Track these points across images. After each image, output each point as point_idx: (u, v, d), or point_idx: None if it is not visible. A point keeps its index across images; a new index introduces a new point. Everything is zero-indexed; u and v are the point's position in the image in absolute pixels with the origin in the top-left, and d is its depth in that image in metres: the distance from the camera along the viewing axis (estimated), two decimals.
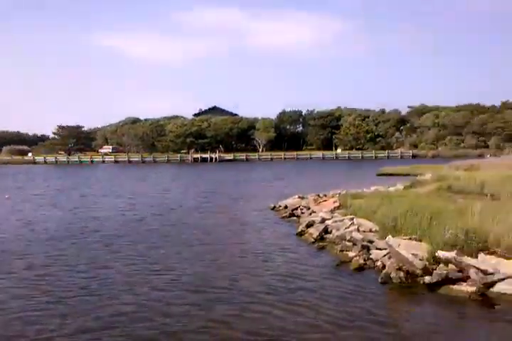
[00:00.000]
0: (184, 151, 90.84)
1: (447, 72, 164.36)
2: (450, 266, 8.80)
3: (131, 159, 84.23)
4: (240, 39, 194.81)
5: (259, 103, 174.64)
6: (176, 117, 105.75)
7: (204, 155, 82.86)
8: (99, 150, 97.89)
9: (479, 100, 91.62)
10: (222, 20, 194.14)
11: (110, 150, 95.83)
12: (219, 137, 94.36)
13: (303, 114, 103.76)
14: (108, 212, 19.92)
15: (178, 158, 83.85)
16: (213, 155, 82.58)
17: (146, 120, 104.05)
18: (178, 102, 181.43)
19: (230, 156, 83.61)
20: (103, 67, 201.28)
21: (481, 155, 58.04)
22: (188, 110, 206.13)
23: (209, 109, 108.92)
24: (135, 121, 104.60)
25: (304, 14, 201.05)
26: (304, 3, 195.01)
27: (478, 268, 8.37)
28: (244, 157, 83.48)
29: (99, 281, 9.69)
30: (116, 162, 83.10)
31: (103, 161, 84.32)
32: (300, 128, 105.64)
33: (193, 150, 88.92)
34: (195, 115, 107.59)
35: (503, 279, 8.09)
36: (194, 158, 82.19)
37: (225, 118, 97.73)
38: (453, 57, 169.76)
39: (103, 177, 48.90)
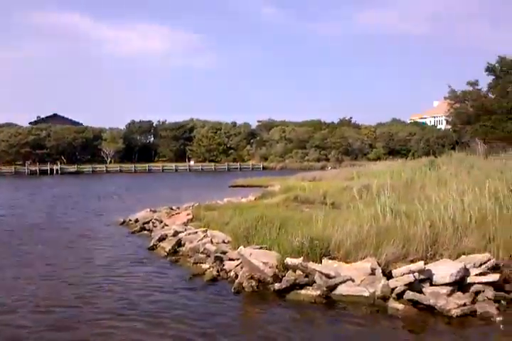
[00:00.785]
0: (20, 163, 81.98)
1: (291, 91, 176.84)
2: (298, 272, 9.27)
3: None
4: (83, 45, 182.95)
5: (106, 112, 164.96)
6: (9, 125, 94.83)
7: (43, 167, 75.67)
8: None
9: (320, 117, 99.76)
10: (64, 23, 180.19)
11: None
12: (60, 147, 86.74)
13: (154, 124, 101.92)
14: None
15: (13, 170, 75.26)
16: (54, 167, 75.99)
17: None
18: (11, 109, 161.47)
19: (73, 168, 77.63)
20: None
21: (323, 168, 63.09)
22: (23, 118, 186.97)
23: (48, 116, 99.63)
24: None
25: (155, 25, 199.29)
26: (154, 13, 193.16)
27: (322, 273, 8.94)
28: (90, 169, 78.38)
29: None
30: None
31: None
32: (151, 139, 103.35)
33: (29, 161, 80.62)
34: (32, 123, 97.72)
35: (343, 282, 8.77)
36: (31, 170, 74.58)
37: (68, 127, 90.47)
38: (295, 76, 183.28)
39: None
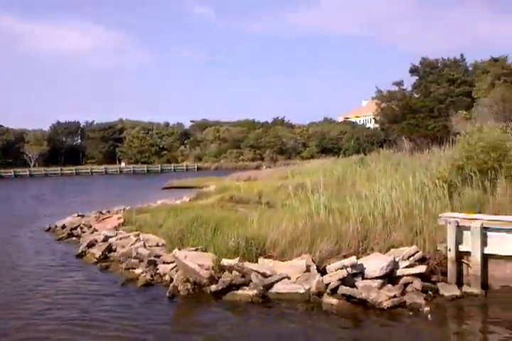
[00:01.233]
0: None
1: (224, 91, 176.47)
2: (234, 272, 9.21)
3: None
4: (6, 41, 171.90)
5: (28, 113, 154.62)
6: None
7: None
8: None
9: (254, 116, 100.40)
10: None
11: None
12: None
13: (81, 125, 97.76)
14: None
15: None
16: None
17: None
18: None
19: None
20: None
21: (258, 167, 63.49)
22: None
23: None
24: None
25: (79, 22, 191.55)
26: (81, 10, 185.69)
27: (258, 272, 8.95)
28: (12, 173, 73.66)
29: None
30: None
31: None
32: (79, 141, 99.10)
33: None
34: None
35: (279, 280, 8.81)
36: None
37: None
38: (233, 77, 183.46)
39: None
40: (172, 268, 9.97)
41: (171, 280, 9.53)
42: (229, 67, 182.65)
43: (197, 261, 9.44)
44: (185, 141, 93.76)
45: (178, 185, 36.12)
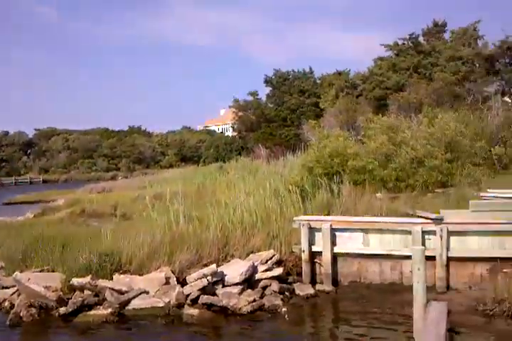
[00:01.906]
0: None
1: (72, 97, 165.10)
2: (86, 292, 8.60)
3: None
4: None
5: None
6: None
7: None
8: None
9: (107, 125, 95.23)
10: None
11: None
12: None
13: None
14: None
15: None
16: None
17: None
18: None
19: None
20: None
21: (113, 178, 60.37)
22: None
23: None
24: None
25: None
26: None
27: (113, 289, 8.43)
28: None
29: None
30: None
31: None
32: None
33: None
34: None
35: (136, 295, 8.37)
36: None
37: None
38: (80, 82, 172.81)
39: None
40: (13, 293, 8.95)
41: (12, 306, 8.53)
42: (74, 71, 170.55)
43: (42, 282, 8.59)
44: (29, 151, 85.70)
45: (22, 200, 32.75)
